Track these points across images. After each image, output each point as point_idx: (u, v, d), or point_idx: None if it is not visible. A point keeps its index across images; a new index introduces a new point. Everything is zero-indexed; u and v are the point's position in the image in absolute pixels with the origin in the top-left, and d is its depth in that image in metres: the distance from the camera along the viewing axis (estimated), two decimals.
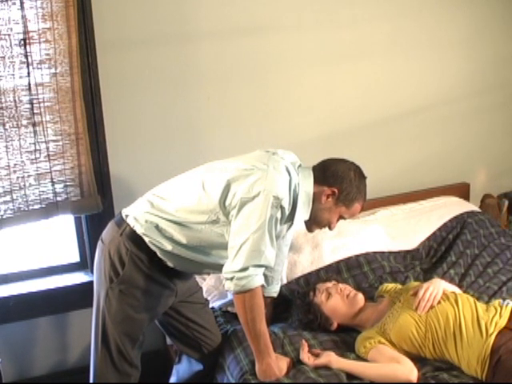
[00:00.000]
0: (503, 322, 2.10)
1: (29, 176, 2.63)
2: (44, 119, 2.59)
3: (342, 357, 2.15)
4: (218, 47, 2.87)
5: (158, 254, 2.08)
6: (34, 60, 2.51)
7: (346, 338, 2.30)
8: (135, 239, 2.08)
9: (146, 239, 2.07)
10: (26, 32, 2.47)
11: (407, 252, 2.90)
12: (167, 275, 2.13)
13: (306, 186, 2.11)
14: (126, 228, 2.10)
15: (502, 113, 3.56)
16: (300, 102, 3.09)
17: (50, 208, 2.68)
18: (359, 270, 2.68)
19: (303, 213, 2.13)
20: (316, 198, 2.13)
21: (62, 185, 2.70)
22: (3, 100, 2.51)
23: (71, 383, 2.90)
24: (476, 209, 3.26)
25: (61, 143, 2.65)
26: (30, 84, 2.53)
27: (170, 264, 2.11)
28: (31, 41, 2.48)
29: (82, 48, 2.57)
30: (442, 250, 2.93)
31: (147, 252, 2.08)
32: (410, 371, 2.04)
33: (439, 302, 2.20)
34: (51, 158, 2.65)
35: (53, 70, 2.56)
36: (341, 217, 2.20)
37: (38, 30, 2.49)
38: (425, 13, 3.21)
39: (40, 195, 2.67)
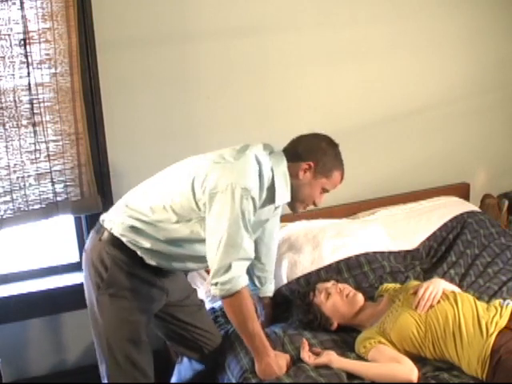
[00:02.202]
0: (503, 322, 2.10)
1: (29, 176, 2.63)
2: (44, 119, 2.59)
3: (342, 356, 2.15)
4: (218, 47, 2.87)
5: (139, 253, 2.07)
6: (34, 60, 2.51)
7: (346, 337, 2.31)
8: (114, 242, 2.07)
9: (124, 239, 2.06)
10: (26, 32, 2.47)
11: (407, 252, 2.90)
12: (153, 273, 2.13)
13: (281, 167, 2.10)
14: (103, 233, 2.10)
15: (501, 113, 3.56)
16: (300, 102, 3.09)
17: (50, 208, 2.68)
18: (359, 270, 2.68)
19: (284, 194, 2.11)
20: (294, 176, 2.12)
21: (61, 185, 2.70)
22: (3, 100, 2.51)
23: (71, 383, 2.90)
24: (476, 209, 3.26)
25: (61, 143, 2.65)
26: (30, 84, 2.53)
27: (152, 262, 2.09)
28: (31, 41, 2.48)
29: (82, 48, 2.57)
30: (442, 250, 2.93)
31: (128, 252, 2.07)
32: (411, 371, 2.04)
33: (439, 302, 2.20)
34: (51, 157, 2.65)
35: (53, 70, 2.56)
36: (323, 190, 2.18)
37: (38, 30, 2.49)
38: (425, 13, 3.21)
39: (40, 195, 2.67)
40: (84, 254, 2.17)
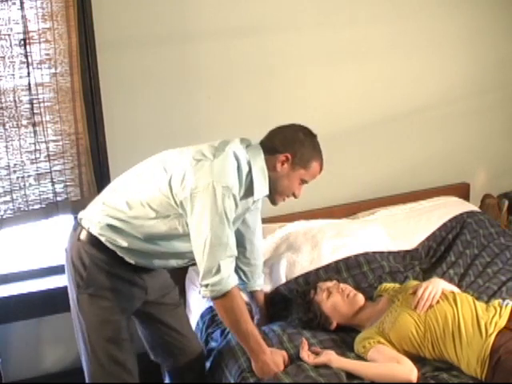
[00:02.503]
0: (503, 322, 2.10)
1: (29, 176, 2.64)
2: (44, 119, 2.60)
3: (341, 356, 2.15)
4: (219, 47, 2.87)
5: (118, 252, 2.06)
6: (34, 60, 2.51)
7: (345, 337, 2.31)
8: (93, 241, 2.06)
9: (103, 239, 2.05)
10: (26, 32, 2.47)
11: (407, 252, 2.90)
12: (133, 271, 2.11)
13: (258, 161, 2.08)
14: (81, 231, 2.09)
15: (501, 113, 3.56)
16: (300, 101, 3.09)
17: (50, 208, 2.68)
18: (358, 270, 2.67)
19: (262, 188, 2.09)
20: (271, 169, 2.09)
21: (61, 185, 2.70)
22: (3, 100, 2.51)
23: (70, 383, 2.90)
24: (476, 209, 3.26)
25: (61, 143, 2.66)
26: (30, 84, 2.53)
27: (131, 261, 2.08)
28: (31, 41, 2.49)
29: (82, 48, 2.57)
30: (442, 250, 2.93)
31: (107, 252, 2.06)
32: (410, 371, 2.04)
33: (438, 302, 2.20)
34: (51, 157, 2.66)
35: (53, 70, 2.56)
36: (302, 181, 2.15)
37: (38, 29, 2.49)
38: (425, 13, 3.21)
39: (40, 195, 2.67)
40: (65, 253, 2.16)
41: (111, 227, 2.05)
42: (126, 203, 2.05)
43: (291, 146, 2.10)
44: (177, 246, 2.09)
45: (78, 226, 2.12)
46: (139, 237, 2.05)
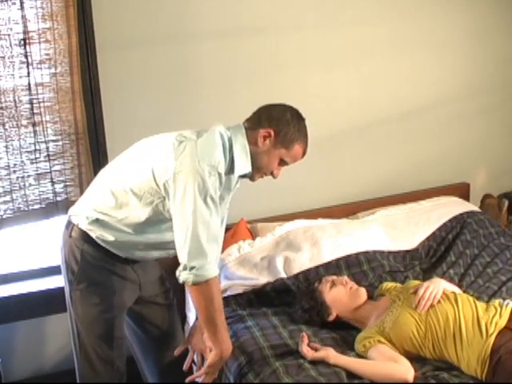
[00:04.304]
0: (503, 322, 2.10)
1: (29, 176, 2.64)
2: (44, 119, 2.60)
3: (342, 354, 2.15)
4: (219, 47, 2.87)
5: (108, 247, 2.05)
6: (33, 60, 2.51)
7: (346, 336, 2.31)
8: (84, 236, 2.05)
9: (93, 234, 2.04)
10: (26, 32, 2.47)
11: (407, 252, 2.90)
12: (126, 266, 2.11)
13: (239, 138, 2.05)
14: (72, 228, 2.08)
15: (502, 113, 3.56)
16: (300, 102, 3.05)
17: (50, 208, 2.69)
18: (359, 269, 2.68)
19: (244, 164, 2.05)
20: (253, 143, 2.05)
21: (61, 185, 2.70)
22: (3, 100, 2.51)
23: (69, 383, 2.90)
24: (476, 209, 3.26)
25: (61, 143, 2.66)
26: (29, 84, 2.54)
27: (122, 255, 2.07)
28: (31, 41, 2.49)
29: (82, 48, 2.57)
30: (442, 249, 2.93)
31: (98, 247, 2.05)
32: (407, 371, 2.04)
33: (439, 302, 2.20)
34: (51, 157, 2.66)
35: (53, 70, 2.56)
36: (282, 161, 2.10)
37: (38, 29, 2.49)
38: (425, 13, 3.21)
39: (40, 195, 2.67)
40: (60, 251, 2.16)
41: (98, 221, 2.04)
42: (111, 193, 2.02)
43: (276, 123, 2.06)
44: (166, 235, 2.04)
45: (68, 222, 2.12)
46: (126, 230, 2.03)
